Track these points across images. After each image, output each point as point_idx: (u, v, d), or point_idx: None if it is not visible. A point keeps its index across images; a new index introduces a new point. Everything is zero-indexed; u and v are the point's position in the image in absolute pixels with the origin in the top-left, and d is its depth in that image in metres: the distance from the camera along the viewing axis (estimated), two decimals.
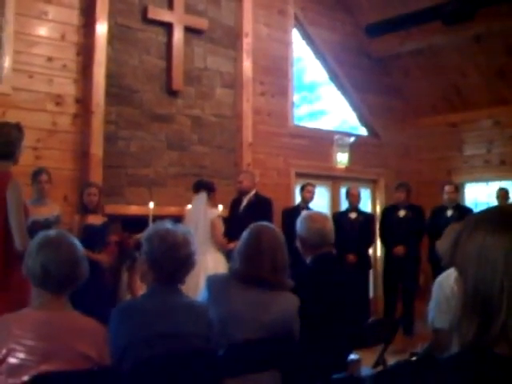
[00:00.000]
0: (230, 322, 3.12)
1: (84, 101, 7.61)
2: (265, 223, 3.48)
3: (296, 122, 10.30)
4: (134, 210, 7.70)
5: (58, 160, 7.34)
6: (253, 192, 7.84)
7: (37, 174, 6.57)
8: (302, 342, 3.26)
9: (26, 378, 2.38)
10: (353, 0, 10.80)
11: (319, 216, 3.99)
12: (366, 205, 10.68)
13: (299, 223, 3.90)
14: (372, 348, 4.14)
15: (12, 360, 2.44)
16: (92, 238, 6.72)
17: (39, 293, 2.68)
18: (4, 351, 2.45)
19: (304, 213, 4.09)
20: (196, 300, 3.19)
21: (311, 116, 17.57)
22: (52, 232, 2.84)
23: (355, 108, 11.17)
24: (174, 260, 2.91)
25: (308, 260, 3.77)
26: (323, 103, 15.49)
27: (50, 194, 6.76)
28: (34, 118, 7.18)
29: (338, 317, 3.45)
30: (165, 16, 8.26)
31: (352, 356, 3.71)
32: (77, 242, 2.79)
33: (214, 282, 3.30)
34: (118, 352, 2.73)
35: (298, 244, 3.85)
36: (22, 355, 2.44)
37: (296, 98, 17.79)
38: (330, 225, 3.88)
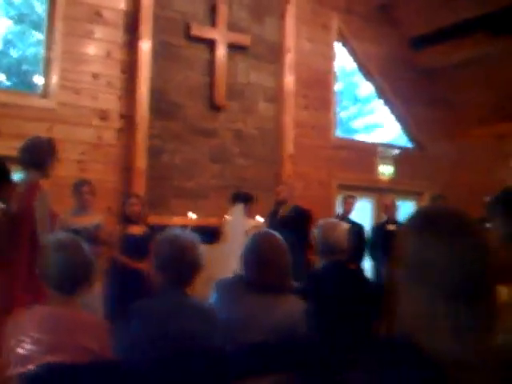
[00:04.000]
0: (234, 325, 3.26)
1: (128, 116, 7.93)
2: (266, 230, 3.63)
3: (343, 135, 10.41)
4: (177, 220, 7.92)
5: (102, 173, 7.65)
6: (290, 203, 7.99)
7: (79, 186, 6.84)
8: (309, 344, 3.39)
9: (31, 367, 2.60)
10: (397, 12, 10.82)
11: (333, 224, 4.13)
12: None
13: (316, 230, 4.05)
14: None
15: (20, 350, 2.66)
16: (132, 247, 6.98)
17: (50, 290, 2.90)
18: (13, 342, 2.68)
19: (320, 221, 4.22)
20: (203, 301, 3.35)
21: (367, 129, 17.65)
22: (63, 235, 3.07)
23: (401, 121, 11.21)
24: (180, 263, 3.09)
25: (320, 265, 3.92)
26: (378, 116, 15.54)
27: (94, 205, 7.05)
28: (80, 133, 7.54)
29: (344, 323, 3.57)
30: (208, 33, 8.54)
31: None
32: (86, 246, 3.00)
33: (221, 286, 3.47)
34: (125, 349, 2.93)
35: (313, 250, 4.01)
36: (28, 346, 2.66)
37: (353, 110, 17.90)
38: (343, 232, 4.01)
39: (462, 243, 1.40)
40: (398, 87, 10.92)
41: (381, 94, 11.14)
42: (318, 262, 4.02)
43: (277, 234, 3.57)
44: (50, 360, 2.62)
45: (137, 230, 7.18)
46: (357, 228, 8.71)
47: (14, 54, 14.15)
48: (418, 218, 1.52)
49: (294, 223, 7.40)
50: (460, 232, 1.42)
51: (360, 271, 7.35)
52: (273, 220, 7.83)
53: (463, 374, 1.33)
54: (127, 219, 7.20)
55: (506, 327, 1.69)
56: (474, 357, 1.35)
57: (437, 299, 1.37)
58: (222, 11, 8.69)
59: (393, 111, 11.21)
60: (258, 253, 3.43)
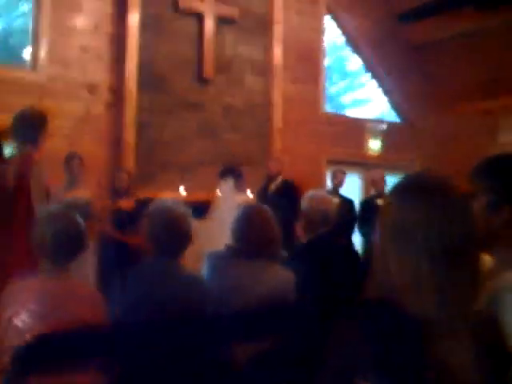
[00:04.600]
0: (225, 294, 3.31)
1: (117, 89, 7.91)
2: (253, 204, 3.68)
3: (333, 110, 10.41)
4: (165, 195, 7.91)
5: (91, 146, 7.64)
6: (280, 178, 8.01)
7: (69, 159, 6.88)
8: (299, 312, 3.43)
9: (27, 338, 2.63)
10: None
11: (324, 197, 4.15)
12: None
13: (304, 202, 4.06)
14: None
15: (16, 322, 2.69)
16: (122, 221, 7.02)
17: (44, 261, 2.92)
18: (9, 313, 2.71)
19: (309, 192, 4.22)
20: (192, 272, 3.40)
21: (355, 104, 17.61)
22: (56, 206, 3.09)
23: (389, 95, 11.24)
24: (170, 234, 3.13)
25: (307, 238, 3.94)
26: (367, 91, 15.54)
27: (84, 179, 7.06)
28: (69, 106, 7.52)
29: (330, 292, 3.61)
30: (196, 5, 8.50)
31: None
32: (79, 218, 3.02)
33: (211, 258, 3.52)
34: (116, 315, 2.97)
35: (300, 222, 4.02)
36: (24, 317, 2.69)
37: (342, 85, 17.87)
38: (331, 204, 4.04)
39: (440, 204, 1.45)
40: (387, 61, 10.94)
41: (369, 68, 11.17)
42: (305, 235, 4.03)
43: (266, 207, 3.62)
44: (45, 330, 2.65)
45: (126, 203, 7.21)
46: (347, 202, 8.75)
47: (1, 25, 14.00)
48: (399, 183, 1.57)
49: (284, 198, 7.43)
50: (438, 194, 1.47)
51: (349, 245, 7.41)
52: (263, 195, 7.85)
53: (442, 334, 1.38)
54: (116, 193, 7.24)
55: (487, 294, 1.74)
56: (454, 318, 1.40)
57: (420, 260, 1.41)
58: None
59: (381, 85, 11.23)
60: (248, 222, 3.49)
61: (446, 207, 1.44)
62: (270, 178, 8.05)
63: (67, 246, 2.92)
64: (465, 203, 1.49)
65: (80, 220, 3.02)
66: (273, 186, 7.96)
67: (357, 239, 9.01)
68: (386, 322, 1.42)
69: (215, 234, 6.58)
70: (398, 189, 1.56)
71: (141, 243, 7.02)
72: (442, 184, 1.50)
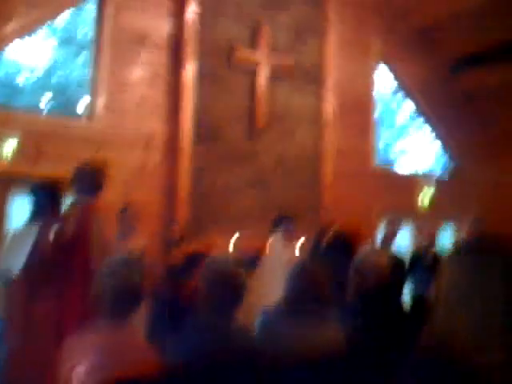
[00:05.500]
0: (278, 350, 3.35)
1: (173, 140, 8.08)
2: (307, 262, 3.73)
3: (381, 162, 10.42)
4: (218, 244, 7.97)
5: (146, 196, 7.77)
6: (332, 230, 7.97)
7: (124, 210, 6.99)
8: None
9: None
10: (437, 34, 10.79)
11: (377, 257, 4.19)
12: None
13: (358, 262, 4.08)
14: None
15: (79, 371, 2.78)
16: (174, 272, 7.09)
17: (104, 314, 3.00)
18: (68, 366, 2.79)
19: (363, 251, 4.25)
20: (244, 326, 3.45)
21: (404, 155, 17.55)
22: (116, 259, 3.18)
23: (441, 144, 11.22)
24: (226, 289, 3.20)
25: (360, 295, 3.95)
26: (416, 142, 15.52)
27: (138, 228, 7.16)
28: (125, 156, 7.70)
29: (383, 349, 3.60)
30: (251, 56, 8.70)
31: None
32: (137, 271, 3.10)
33: (266, 314, 3.58)
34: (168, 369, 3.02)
35: (354, 278, 4.02)
36: (86, 368, 2.77)
37: (390, 136, 17.81)
38: (386, 267, 4.07)
39: (498, 270, 1.47)
40: (439, 109, 10.91)
41: (421, 115, 11.18)
42: (357, 292, 4.04)
43: (318, 264, 3.66)
44: (105, 381, 2.72)
45: (179, 254, 7.29)
46: (397, 261, 8.60)
47: (59, 76, 14.43)
48: (459, 245, 1.62)
49: (337, 251, 7.40)
50: (497, 260, 1.50)
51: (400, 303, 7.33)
52: (315, 248, 7.82)
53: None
54: (170, 244, 7.32)
55: None
56: None
57: (483, 316, 1.44)
58: (265, 34, 8.86)
59: (433, 133, 11.22)
60: (300, 282, 3.54)
61: (506, 272, 1.48)
62: (322, 231, 8.03)
63: (126, 300, 3.00)
64: None
65: (139, 274, 3.09)
66: (325, 239, 7.93)
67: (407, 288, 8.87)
68: (443, 372, 1.44)
69: (264, 287, 6.62)
70: (458, 251, 1.61)
71: (192, 296, 7.11)
72: (500, 248, 1.54)
